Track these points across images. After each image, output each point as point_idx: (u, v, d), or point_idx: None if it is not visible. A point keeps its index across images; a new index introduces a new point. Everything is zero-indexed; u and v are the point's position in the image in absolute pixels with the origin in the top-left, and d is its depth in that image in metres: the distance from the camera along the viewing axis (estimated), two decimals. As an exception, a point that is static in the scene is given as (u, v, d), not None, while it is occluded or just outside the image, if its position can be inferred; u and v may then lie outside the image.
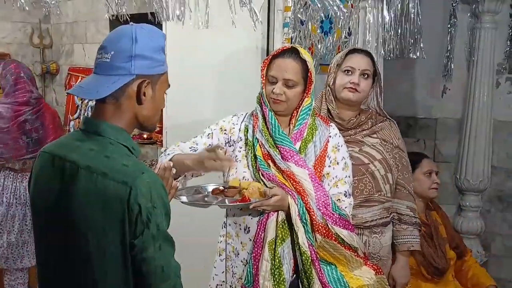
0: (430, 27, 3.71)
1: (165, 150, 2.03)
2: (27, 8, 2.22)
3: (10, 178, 3.25)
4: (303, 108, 1.92)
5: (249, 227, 1.94)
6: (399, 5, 2.91)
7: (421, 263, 2.49)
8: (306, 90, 1.91)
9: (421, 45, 3.08)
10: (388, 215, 2.29)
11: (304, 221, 1.82)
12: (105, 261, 1.32)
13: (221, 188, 1.90)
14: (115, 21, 3.89)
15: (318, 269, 1.82)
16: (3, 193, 3.25)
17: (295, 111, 1.93)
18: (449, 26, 3.69)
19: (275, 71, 1.89)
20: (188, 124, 2.91)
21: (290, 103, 1.90)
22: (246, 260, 1.94)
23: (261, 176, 1.89)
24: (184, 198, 1.87)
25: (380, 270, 1.98)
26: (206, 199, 1.90)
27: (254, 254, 1.90)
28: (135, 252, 1.30)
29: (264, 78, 1.93)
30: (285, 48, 1.92)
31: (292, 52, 1.90)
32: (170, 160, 1.86)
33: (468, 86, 3.67)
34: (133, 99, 1.37)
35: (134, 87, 1.36)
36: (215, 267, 2.08)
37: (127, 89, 1.36)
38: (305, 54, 1.90)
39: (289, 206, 1.84)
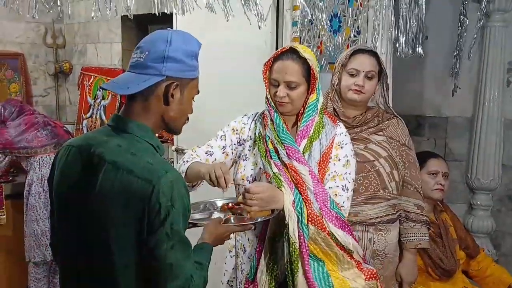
0: (439, 25, 3.71)
1: (182, 160, 2.04)
2: (36, 17, 2.26)
3: (46, 166, 3.34)
4: (308, 105, 1.93)
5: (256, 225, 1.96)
6: (407, 4, 2.91)
7: (428, 265, 2.49)
8: (311, 88, 1.92)
9: (421, 42, 3.07)
10: (394, 213, 2.30)
11: (299, 210, 1.81)
12: (122, 254, 1.36)
13: (230, 205, 1.89)
14: (127, 21, 3.96)
15: (306, 263, 1.81)
16: (42, 182, 3.31)
17: (301, 109, 1.95)
18: (459, 24, 3.67)
19: (276, 74, 1.91)
20: (198, 122, 2.94)
21: (295, 103, 1.92)
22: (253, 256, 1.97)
23: (271, 165, 1.90)
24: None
25: (375, 275, 1.93)
26: (213, 215, 1.88)
27: (257, 249, 1.93)
28: (148, 248, 1.33)
29: (267, 81, 1.95)
30: (284, 49, 1.94)
31: (292, 52, 1.90)
32: (187, 168, 1.92)
33: (478, 85, 3.66)
34: (161, 99, 1.42)
35: (163, 87, 1.41)
36: (225, 263, 2.12)
37: (156, 89, 1.41)
38: (306, 52, 1.91)
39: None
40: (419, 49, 3.17)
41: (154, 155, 1.41)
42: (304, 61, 1.90)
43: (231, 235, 2.06)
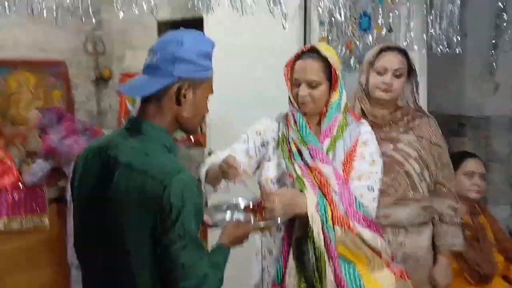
0: (478, 22, 3.59)
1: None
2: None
3: None
4: (331, 104, 1.91)
5: (281, 227, 1.94)
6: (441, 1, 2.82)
7: (464, 269, 2.40)
8: (332, 86, 1.90)
9: (458, 39, 2.96)
10: (426, 215, 2.23)
11: (323, 212, 1.79)
12: (138, 255, 1.37)
13: (252, 206, 1.88)
14: (163, 26, 4.02)
15: (337, 265, 1.78)
16: None
17: (324, 108, 1.93)
18: (498, 20, 3.54)
19: (297, 73, 1.90)
20: (230, 125, 2.96)
21: (318, 103, 1.90)
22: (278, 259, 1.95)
23: (295, 167, 1.89)
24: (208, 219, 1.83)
25: (405, 274, 1.90)
26: (235, 216, 1.88)
27: (283, 252, 1.90)
28: (161, 248, 1.35)
29: (289, 81, 1.94)
30: (304, 49, 1.93)
31: (313, 51, 1.89)
32: (207, 171, 1.95)
33: (520, 83, 3.52)
34: (174, 100, 1.43)
35: (175, 88, 1.42)
36: (252, 266, 2.11)
37: (169, 90, 1.42)
38: (327, 51, 1.89)
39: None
40: (456, 47, 3.06)
41: (168, 156, 1.42)
42: (325, 60, 1.88)
43: (257, 238, 2.07)
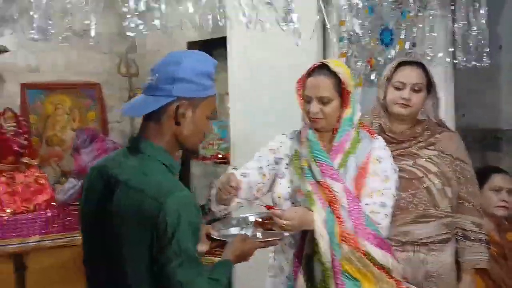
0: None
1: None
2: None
3: None
4: (343, 120, 1.89)
5: (292, 243, 1.94)
6: (467, 14, 2.77)
7: (489, 287, 2.31)
8: (344, 102, 1.88)
9: (486, 52, 2.88)
10: (449, 231, 2.16)
11: (331, 228, 1.77)
12: (137, 271, 1.39)
13: (260, 220, 1.88)
14: (192, 46, 4.09)
15: (339, 283, 1.75)
16: None
17: (337, 124, 1.91)
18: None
19: (308, 90, 1.91)
20: (253, 143, 2.96)
21: (329, 119, 1.89)
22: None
23: (305, 182, 1.87)
24: (215, 233, 1.83)
25: None
26: (243, 231, 1.87)
27: (294, 269, 1.89)
28: (158, 266, 1.36)
29: (301, 98, 1.94)
30: (316, 65, 1.92)
31: (323, 68, 1.89)
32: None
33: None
34: (173, 119, 1.45)
35: (174, 108, 1.44)
36: (266, 284, 2.09)
37: (167, 109, 1.44)
38: (338, 66, 1.88)
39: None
40: (485, 60, 2.98)
41: (166, 175, 1.44)
42: (336, 76, 1.87)
43: (270, 255, 2.06)
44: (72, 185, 3.45)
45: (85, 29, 2.53)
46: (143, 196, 1.36)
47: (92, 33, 2.39)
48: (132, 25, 2.25)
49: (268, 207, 1.84)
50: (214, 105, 1.53)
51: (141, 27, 2.27)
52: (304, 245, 1.87)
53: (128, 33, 2.31)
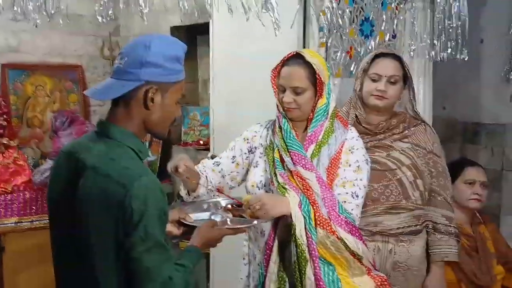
0: (495, 27, 3.51)
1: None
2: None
3: None
4: (317, 110, 1.90)
5: (264, 231, 1.95)
6: (446, 6, 2.77)
7: (461, 280, 2.34)
8: (318, 92, 1.89)
9: (463, 45, 2.90)
10: (419, 224, 2.19)
11: (306, 212, 1.78)
12: (102, 258, 1.38)
13: (230, 206, 1.90)
14: (176, 32, 4.07)
15: (316, 265, 1.77)
16: None
17: (311, 114, 1.92)
18: (515, 26, 3.45)
19: (282, 79, 1.91)
20: (234, 131, 2.96)
21: (303, 109, 1.90)
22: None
23: (277, 176, 1.90)
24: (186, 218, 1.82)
25: (386, 283, 1.87)
26: (212, 216, 1.87)
27: (265, 256, 1.90)
28: (124, 251, 1.35)
29: (275, 87, 1.94)
30: (290, 55, 1.92)
31: (298, 57, 1.89)
32: None
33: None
34: (142, 104, 1.44)
35: (143, 92, 1.42)
36: (240, 271, 2.11)
37: (136, 94, 1.42)
38: (312, 57, 1.89)
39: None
40: (463, 53, 2.99)
41: (133, 160, 1.43)
42: (310, 66, 1.87)
43: (244, 243, 2.07)
44: (49, 166, 3.43)
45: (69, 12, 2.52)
46: (109, 181, 1.35)
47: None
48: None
49: (219, 190, 1.87)
50: (183, 90, 1.51)
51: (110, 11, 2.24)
52: (276, 232, 1.88)
53: (98, 17, 2.28)
